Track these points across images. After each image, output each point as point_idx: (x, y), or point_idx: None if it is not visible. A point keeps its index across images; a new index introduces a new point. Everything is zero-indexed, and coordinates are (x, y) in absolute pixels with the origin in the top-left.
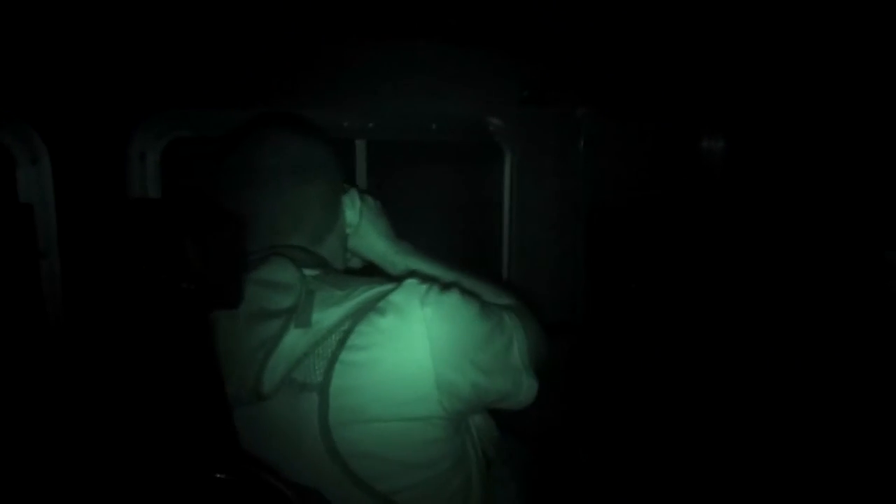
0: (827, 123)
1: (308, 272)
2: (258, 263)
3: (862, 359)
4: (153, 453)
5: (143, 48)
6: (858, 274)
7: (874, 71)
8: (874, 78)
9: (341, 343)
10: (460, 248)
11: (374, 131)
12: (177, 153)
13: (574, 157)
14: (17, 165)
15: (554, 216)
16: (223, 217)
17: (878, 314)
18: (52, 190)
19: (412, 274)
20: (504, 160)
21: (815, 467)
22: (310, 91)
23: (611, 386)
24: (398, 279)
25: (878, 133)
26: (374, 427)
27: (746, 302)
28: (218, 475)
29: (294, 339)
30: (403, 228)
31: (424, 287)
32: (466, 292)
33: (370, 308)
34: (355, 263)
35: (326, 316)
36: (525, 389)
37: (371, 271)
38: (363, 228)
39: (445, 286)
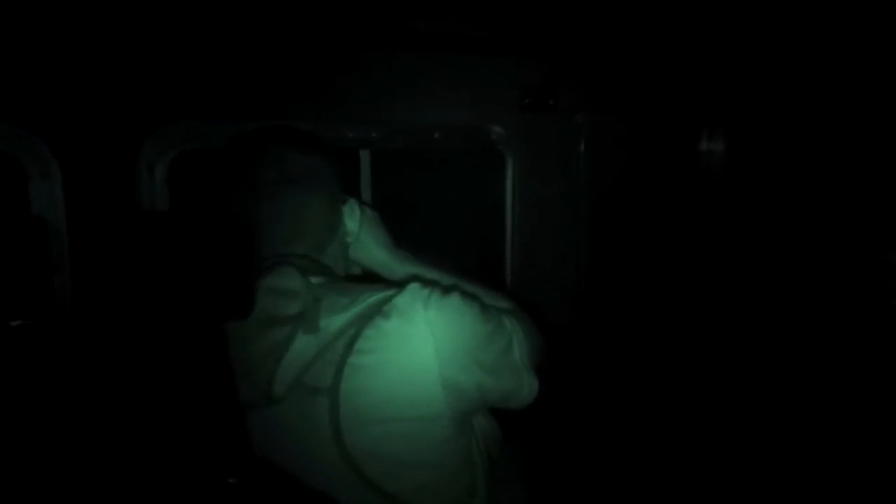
0: (827, 124)
1: (314, 279)
2: (265, 272)
3: (861, 360)
4: (167, 458)
5: (151, 62)
6: (858, 275)
7: (874, 72)
8: (874, 79)
9: (349, 347)
10: (464, 253)
11: (378, 141)
12: (185, 165)
13: (575, 161)
14: (29, 179)
15: (556, 221)
16: (232, 228)
17: (877, 315)
18: (63, 202)
19: (414, 279)
20: (506, 166)
21: (814, 467)
22: (315, 103)
23: (611, 386)
24: (400, 284)
25: (878, 134)
26: (383, 428)
27: (746, 303)
28: (231, 480)
29: (303, 345)
30: (408, 235)
31: (426, 290)
32: (467, 295)
33: (375, 312)
34: (355, 271)
35: (333, 321)
36: (527, 388)
37: (372, 278)
38: (363, 237)
39: (446, 289)
